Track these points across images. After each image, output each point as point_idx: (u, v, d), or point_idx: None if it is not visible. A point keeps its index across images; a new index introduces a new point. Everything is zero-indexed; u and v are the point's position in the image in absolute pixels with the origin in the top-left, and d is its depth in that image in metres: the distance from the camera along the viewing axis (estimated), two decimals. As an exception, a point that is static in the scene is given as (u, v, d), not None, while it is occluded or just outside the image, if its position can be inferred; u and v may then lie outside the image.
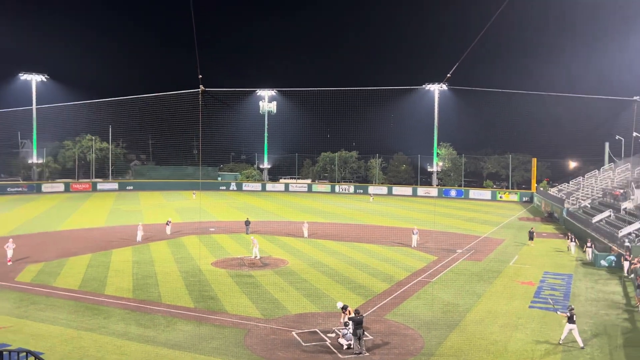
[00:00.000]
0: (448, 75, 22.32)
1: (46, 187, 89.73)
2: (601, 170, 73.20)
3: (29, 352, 9.56)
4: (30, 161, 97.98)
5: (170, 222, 44.93)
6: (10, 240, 33.39)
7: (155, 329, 20.50)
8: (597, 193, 58.51)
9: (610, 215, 44.97)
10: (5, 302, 23.91)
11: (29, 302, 23.86)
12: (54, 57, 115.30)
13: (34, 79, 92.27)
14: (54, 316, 21.90)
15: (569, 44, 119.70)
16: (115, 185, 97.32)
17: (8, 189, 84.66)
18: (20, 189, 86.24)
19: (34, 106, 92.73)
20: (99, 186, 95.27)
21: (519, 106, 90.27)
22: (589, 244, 37.61)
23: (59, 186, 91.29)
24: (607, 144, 78.14)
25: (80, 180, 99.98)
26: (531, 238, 42.25)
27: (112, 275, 29.52)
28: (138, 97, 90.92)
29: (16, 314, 22.08)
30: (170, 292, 26.09)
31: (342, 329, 19.38)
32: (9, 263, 31.67)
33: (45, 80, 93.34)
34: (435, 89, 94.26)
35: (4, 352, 9.61)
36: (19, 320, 21.23)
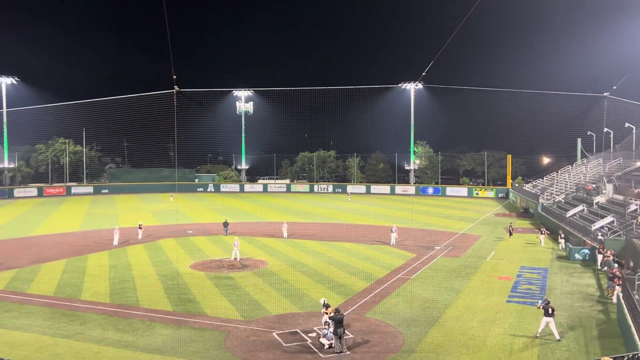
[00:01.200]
0: (423, 73, 22.54)
1: (18, 192, 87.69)
2: (574, 165, 74.76)
3: (2, 361, 9.32)
4: (1, 166, 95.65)
5: (141, 225, 44.11)
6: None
7: (134, 334, 20.21)
8: (571, 188, 59.74)
9: (583, 210, 45.95)
10: (-23, 310, 23.30)
11: (2, 310, 23.27)
12: (23, 60, 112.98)
13: (3, 82, 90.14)
14: (29, 323, 21.41)
15: (541, 41, 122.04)
16: (90, 189, 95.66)
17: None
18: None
19: (4, 109, 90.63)
20: (74, 190, 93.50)
21: (493, 103, 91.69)
22: (561, 235, 39.34)
23: (32, 191, 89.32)
24: (579, 140, 79.83)
25: (53, 185, 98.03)
26: (510, 233, 43.28)
27: (88, 280, 29.01)
28: (111, 99, 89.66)
29: (-11, 323, 21.53)
30: (148, 296, 25.75)
31: (323, 328, 19.37)
32: (-19, 270, 30.86)
33: (15, 82, 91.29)
34: (411, 88, 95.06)
35: (-24, 362, 9.34)
36: (-8, 329, 20.71)
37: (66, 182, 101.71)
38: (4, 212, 64.79)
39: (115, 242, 39.86)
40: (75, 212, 64.23)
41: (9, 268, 32.02)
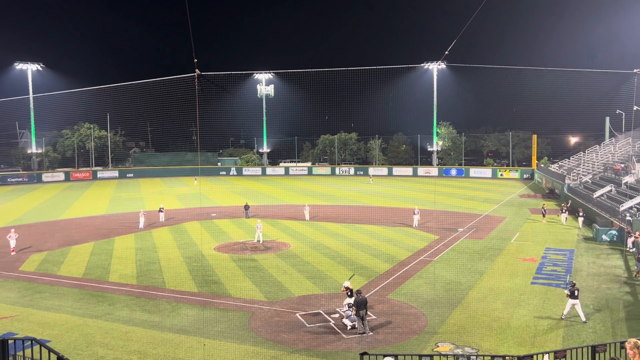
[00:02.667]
0: (446, 52, 22.12)
1: (46, 176, 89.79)
2: (602, 145, 73.04)
3: (35, 341, 9.62)
4: (29, 151, 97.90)
5: (162, 209, 44.60)
6: (13, 230, 33.47)
7: (160, 314, 20.64)
8: (598, 168, 58.48)
9: (611, 190, 44.99)
10: (10, 291, 24.08)
11: (34, 291, 24.01)
12: (48, 46, 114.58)
13: (29, 68, 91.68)
14: (59, 304, 22.05)
15: (568, 17, 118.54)
16: (115, 173, 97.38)
17: (9, 180, 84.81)
18: (20, 179, 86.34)
19: (31, 95, 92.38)
20: (99, 174, 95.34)
21: (518, 82, 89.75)
22: (581, 213, 39.73)
23: (59, 175, 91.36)
24: (607, 119, 77.82)
25: (80, 169, 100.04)
26: (544, 215, 42.53)
27: (115, 262, 29.67)
28: (134, 83, 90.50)
29: (22, 303, 22.22)
30: (174, 277, 26.23)
31: (346, 310, 19.46)
32: (12, 253, 31.80)
33: (40, 69, 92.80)
34: (434, 67, 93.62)
35: (11, 341, 9.68)
36: (25, 309, 21.38)
37: (92, 166, 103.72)
38: (33, 196, 66.45)
39: (141, 225, 40.57)
40: (101, 196, 65.50)
41: (40, 251, 32.93)
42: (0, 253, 32.12)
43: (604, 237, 33.95)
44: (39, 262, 29.83)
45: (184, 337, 18.26)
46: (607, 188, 45.77)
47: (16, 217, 47.36)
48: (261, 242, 34.01)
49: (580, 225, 39.18)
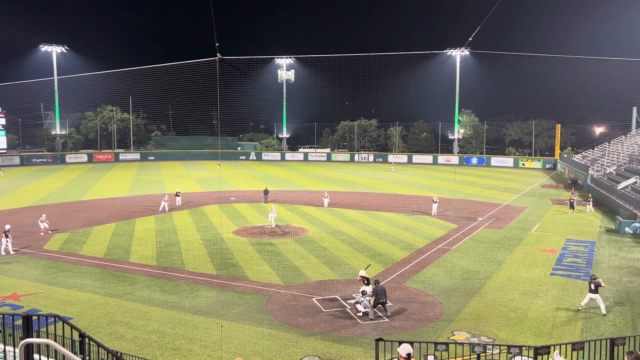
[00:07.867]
0: (470, 39, 21.75)
1: (70, 157, 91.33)
2: (628, 135, 71.42)
3: (58, 317, 9.85)
4: (53, 132, 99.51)
5: (179, 193, 44.74)
6: (44, 215, 33.82)
7: (179, 295, 20.97)
8: (623, 159, 57.25)
9: (636, 182, 44.05)
10: (35, 269, 24.69)
11: (57, 270, 24.57)
12: (72, 28, 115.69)
13: (54, 50, 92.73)
14: (82, 283, 22.54)
15: (594, 2, 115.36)
16: (137, 156, 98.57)
17: (33, 160, 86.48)
18: (45, 160, 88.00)
19: (55, 77, 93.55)
20: (121, 156, 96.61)
21: (543, 70, 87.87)
22: (589, 199, 42.04)
23: (82, 157, 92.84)
24: (634, 109, 75.93)
25: (102, 151, 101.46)
26: (572, 207, 41.22)
27: (136, 243, 30.15)
28: (157, 67, 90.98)
29: (45, 281, 22.78)
30: (193, 259, 26.58)
31: (362, 297, 19.46)
32: (42, 234, 32.36)
33: (65, 51, 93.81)
34: (457, 54, 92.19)
35: (35, 317, 9.93)
36: (49, 287, 21.92)
37: (114, 148, 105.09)
38: (57, 177, 67.70)
39: (166, 208, 40.73)
40: (123, 178, 66.43)
41: (63, 230, 33.61)
42: (25, 232, 32.88)
43: (627, 229, 33.35)
44: (63, 242, 30.48)
45: (202, 318, 18.54)
46: (632, 180, 44.81)
47: (41, 197, 48.34)
48: (273, 226, 34.26)
49: (589, 211, 40.76)
